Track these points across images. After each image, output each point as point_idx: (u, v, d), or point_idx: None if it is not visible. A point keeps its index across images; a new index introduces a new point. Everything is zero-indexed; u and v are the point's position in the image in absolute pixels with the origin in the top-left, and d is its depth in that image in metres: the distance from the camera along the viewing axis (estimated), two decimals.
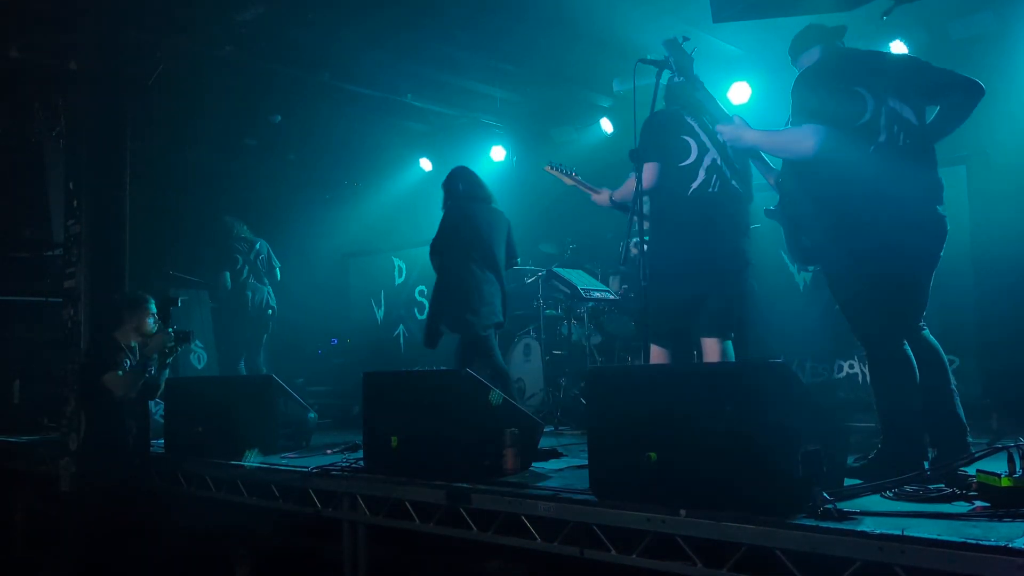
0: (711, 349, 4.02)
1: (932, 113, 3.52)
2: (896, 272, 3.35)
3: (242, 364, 7.78)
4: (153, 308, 5.26)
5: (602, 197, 4.46)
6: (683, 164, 3.98)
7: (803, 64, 3.72)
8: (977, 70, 5.87)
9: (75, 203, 5.67)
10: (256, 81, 7.31)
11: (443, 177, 9.22)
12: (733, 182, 4.03)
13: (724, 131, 3.83)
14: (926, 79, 3.47)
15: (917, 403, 3.28)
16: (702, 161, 3.99)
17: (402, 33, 6.62)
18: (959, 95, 3.45)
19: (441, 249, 5.68)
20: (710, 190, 3.96)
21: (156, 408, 6.16)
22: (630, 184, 4.00)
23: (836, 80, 3.46)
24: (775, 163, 3.94)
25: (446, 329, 5.59)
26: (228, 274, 7.85)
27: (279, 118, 8.20)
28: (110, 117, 5.70)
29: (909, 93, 3.45)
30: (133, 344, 5.19)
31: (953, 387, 3.42)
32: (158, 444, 5.51)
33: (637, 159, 3.86)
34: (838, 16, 3.98)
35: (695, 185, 3.95)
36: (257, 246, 8.01)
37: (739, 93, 7.08)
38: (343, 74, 7.32)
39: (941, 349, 3.49)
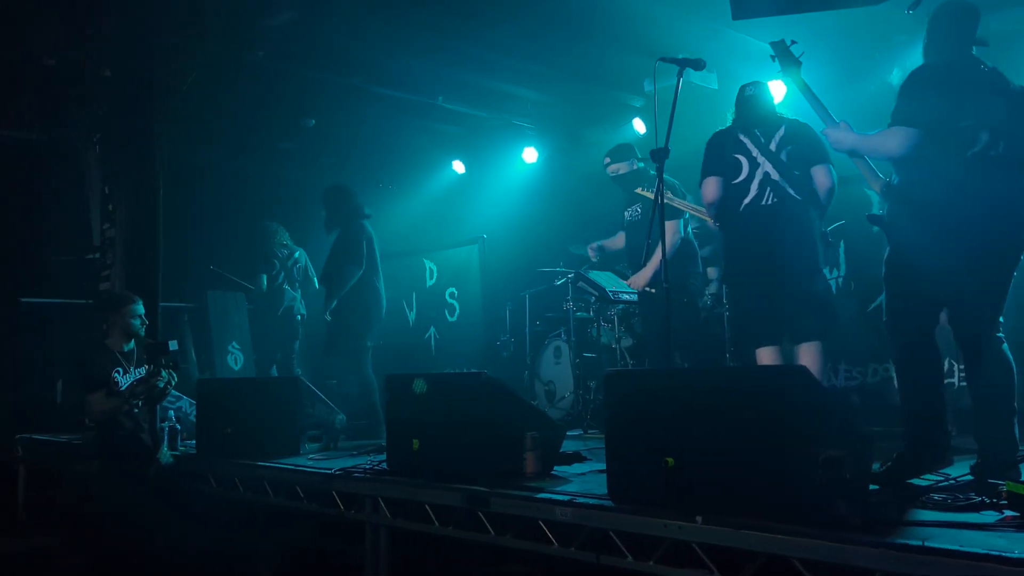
0: (801, 353, 4.26)
1: None
2: (963, 275, 3.39)
3: (274, 368, 7.86)
4: (140, 309, 5.19)
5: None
6: (736, 181, 4.30)
7: (927, 54, 3.67)
8: (1014, 65, 5.74)
9: (110, 207, 5.78)
10: (289, 85, 7.38)
11: (477, 179, 9.31)
12: (791, 191, 4.24)
13: (829, 135, 3.90)
14: None
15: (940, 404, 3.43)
16: (753, 176, 4.28)
17: (433, 36, 6.63)
18: None
19: (364, 263, 6.26)
20: (763, 203, 4.23)
21: (191, 409, 6.26)
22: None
23: (950, 84, 3.46)
24: (882, 170, 3.87)
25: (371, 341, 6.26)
26: (264, 277, 7.93)
27: (313, 122, 8.28)
28: (144, 123, 5.83)
29: (1013, 124, 3.44)
30: (127, 347, 5.17)
31: (1014, 408, 3.38)
32: (190, 444, 5.60)
33: (659, 159, 3.81)
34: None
35: (747, 200, 4.25)
36: (296, 255, 8.10)
37: (776, 91, 6.94)
38: (375, 77, 7.36)
39: (1014, 368, 3.44)
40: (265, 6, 5.95)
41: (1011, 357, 3.43)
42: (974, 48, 3.60)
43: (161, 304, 5.97)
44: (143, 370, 5.16)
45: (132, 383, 5.04)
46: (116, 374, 5.06)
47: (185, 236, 7.94)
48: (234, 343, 8.84)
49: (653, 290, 5.56)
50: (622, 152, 5.84)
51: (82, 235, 6.80)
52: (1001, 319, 3.51)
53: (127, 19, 5.64)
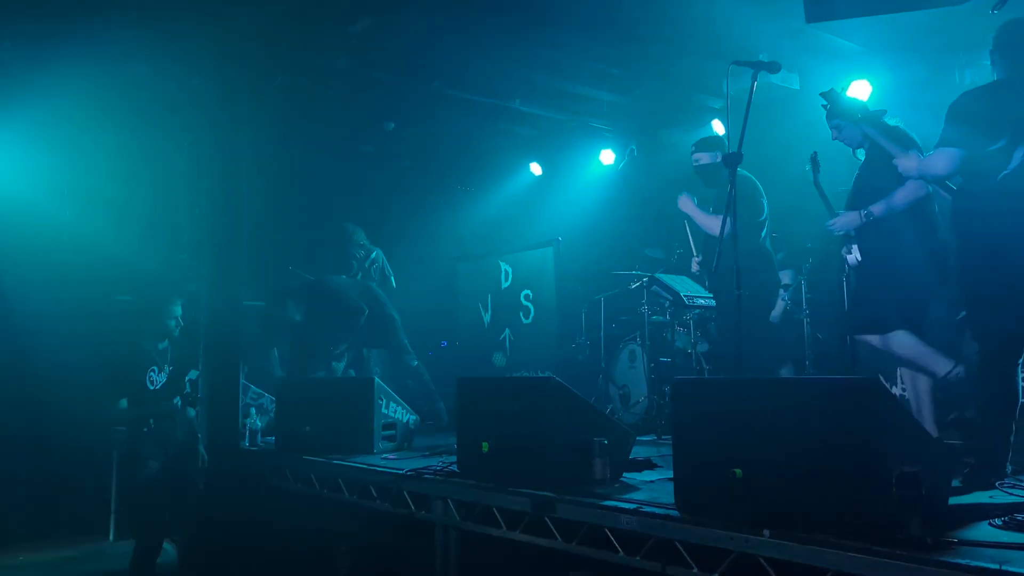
0: None
1: None
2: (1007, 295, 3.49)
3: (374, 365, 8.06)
4: (178, 311, 5.29)
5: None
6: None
7: (996, 70, 3.77)
8: None
9: (198, 210, 6.01)
10: (369, 90, 7.53)
11: (553, 181, 9.32)
12: None
13: (900, 163, 4.01)
14: None
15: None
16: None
17: (509, 39, 6.67)
18: None
19: None
20: None
21: (272, 406, 6.46)
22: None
23: (986, 108, 3.58)
24: None
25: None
26: (344, 277, 8.12)
27: (392, 125, 8.43)
28: (230, 128, 6.02)
29: None
30: (161, 346, 5.27)
31: None
32: (271, 440, 5.78)
33: (732, 164, 3.75)
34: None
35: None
36: (373, 254, 8.27)
37: (859, 91, 6.76)
38: (452, 81, 7.44)
39: None
40: (344, 13, 6.08)
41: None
42: None
43: (245, 303, 6.18)
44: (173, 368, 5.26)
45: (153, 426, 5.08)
46: (151, 373, 5.18)
47: (267, 236, 8.17)
48: None
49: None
50: (707, 143, 5.76)
51: (173, 237, 7.09)
52: None
53: (217, 29, 5.85)
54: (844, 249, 4.49)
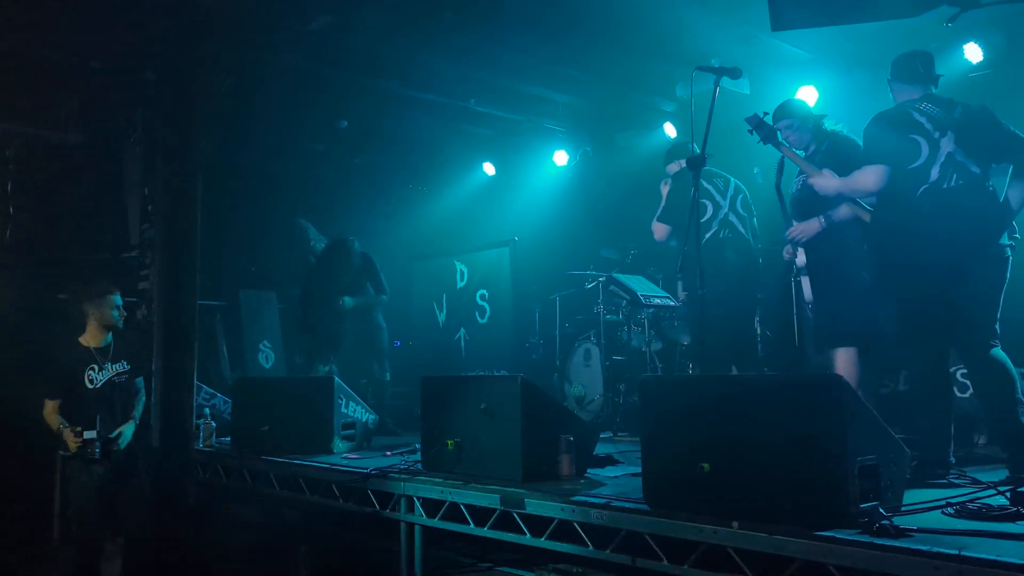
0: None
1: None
2: (926, 296, 3.74)
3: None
4: (118, 300, 4.97)
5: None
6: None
7: (895, 93, 4.05)
8: None
9: (149, 208, 5.90)
10: (323, 88, 7.46)
11: (508, 181, 9.35)
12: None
13: (815, 183, 4.12)
14: (992, 137, 3.79)
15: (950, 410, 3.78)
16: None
17: (465, 40, 6.69)
18: (1019, 155, 3.78)
19: None
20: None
21: (225, 407, 6.38)
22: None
23: (896, 127, 3.82)
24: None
25: None
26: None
27: (345, 124, 8.36)
28: (183, 125, 5.92)
29: (972, 147, 3.77)
30: (104, 342, 4.95)
31: (1020, 397, 3.65)
32: (224, 441, 5.70)
33: (696, 166, 3.85)
34: (909, 25, 3.92)
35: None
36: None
37: (806, 97, 6.96)
38: (407, 80, 7.42)
39: (1010, 365, 3.69)
40: (301, 11, 6.03)
41: (1006, 358, 3.71)
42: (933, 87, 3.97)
43: (199, 302, 6.08)
44: (121, 365, 4.96)
45: (86, 442, 4.65)
46: (91, 371, 4.85)
47: (219, 235, 8.05)
48: (265, 341, 8.95)
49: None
50: (678, 151, 5.85)
51: (121, 235, 6.93)
52: (997, 327, 3.74)
53: (169, 24, 5.75)
54: (785, 251, 4.59)
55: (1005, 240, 3.77)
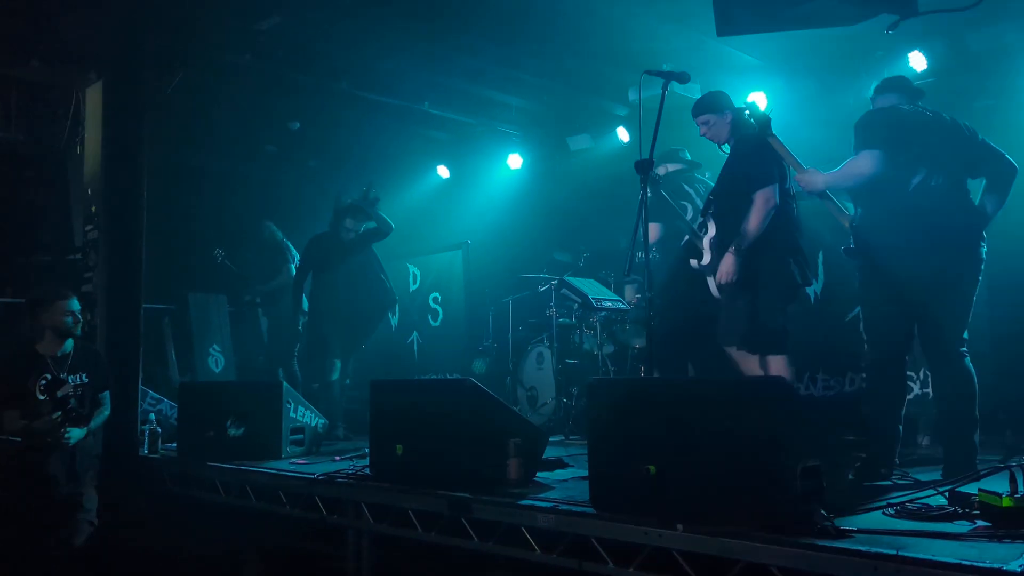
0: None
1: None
2: (914, 295, 3.76)
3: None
4: (74, 305, 4.69)
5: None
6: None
7: (878, 103, 4.10)
8: (995, 82, 5.83)
9: (93, 209, 5.76)
10: (275, 89, 7.38)
11: (462, 184, 9.32)
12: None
13: (800, 180, 4.07)
14: (969, 152, 3.92)
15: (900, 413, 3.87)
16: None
17: (420, 43, 6.65)
18: (992, 166, 3.93)
19: None
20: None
21: (172, 412, 6.24)
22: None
23: (891, 123, 3.86)
24: (850, 207, 4.15)
25: None
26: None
27: (298, 125, 8.27)
28: (128, 124, 5.79)
29: (950, 160, 3.88)
30: (61, 351, 4.70)
31: (976, 417, 3.71)
32: (170, 447, 5.58)
33: (643, 170, 3.86)
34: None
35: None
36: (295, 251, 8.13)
37: (757, 102, 7.05)
38: (361, 82, 7.37)
39: (975, 380, 3.75)
40: (252, 11, 5.95)
41: (973, 371, 3.73)
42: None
43: (143, 305, 5.94)
44: (80, 377, 4.70)
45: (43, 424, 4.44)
46: (43, 381, 4.56)
47: (168, 237, 7.90)
48: (215, 345, 8.80)
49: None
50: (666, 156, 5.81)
51: (64, 237, 6.76)
52: (966, 335, 3.78)
53: (113, 22, 5.62)
54: (693, 261, 4.53)
55: (983, 244, 3.83)
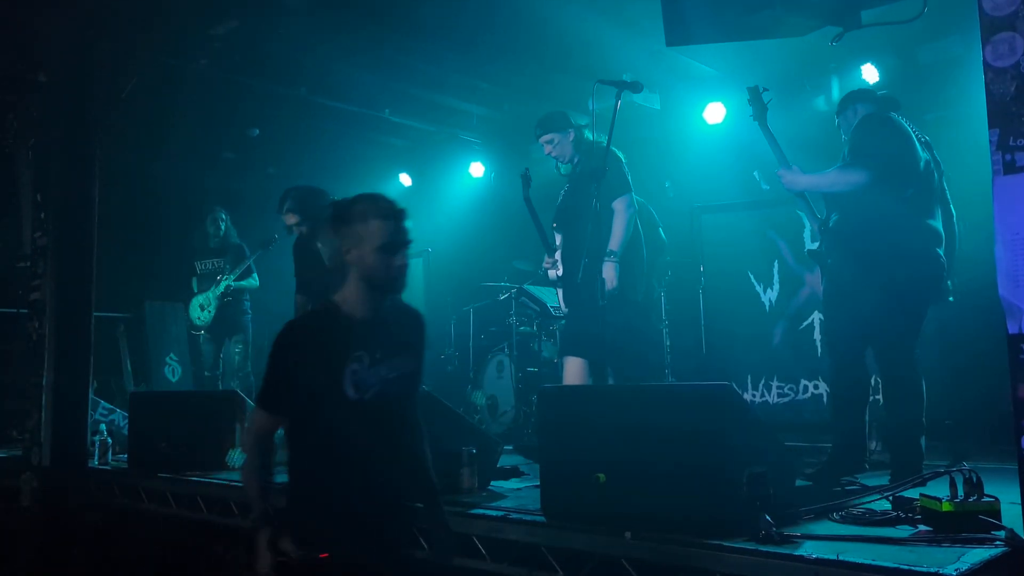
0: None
1: None
2: (888, 302, 3.80)
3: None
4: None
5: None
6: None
7: (852, 116, 4.16)
8: (944, 94, 5.95)
9: (42, 215, 5.64)
10: (232, 94, 7.28)
11: (423, 192, 9.29)
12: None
13: (784, 177, 4.11)
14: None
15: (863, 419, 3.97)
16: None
17: (379, 49, 6.63)
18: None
19: None
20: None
21: (124, 423, 6.13)
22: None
23: (898, 130, 3.91)
24: (821, 212, 4.21)
25: None
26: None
27: (257, 131, 8.18)
28: (80, 129, 5.69)
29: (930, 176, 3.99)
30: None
31: (923, 423, 3.80)
32: (122, 459, 5.48)
33: (597, 178, 3.88)
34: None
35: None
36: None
37: (714, 113, 7.14)
38: (320, 89, 7.31)
39: (924, 386, 3.85)
40: (207, 14, 5.88)
41: (922, 378, 3.82)
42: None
43: (95, 314, 5.83)
44: None
45: None
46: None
47: (125, 245, 7.77)
48: (172, 355, 8.68)
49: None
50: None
51: (12, 244, 6.62)
52: (916, 344, 3.87)
53: (64, 23, 5.52)
54: (545, 262, 4.67)
55: (943, 258, 3.92)
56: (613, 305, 4.11)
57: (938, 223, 3.94)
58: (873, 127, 3.95)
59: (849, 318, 3.93)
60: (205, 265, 7.69)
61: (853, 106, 4.22)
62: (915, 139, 3.93)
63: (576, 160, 4.49)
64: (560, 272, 4.52)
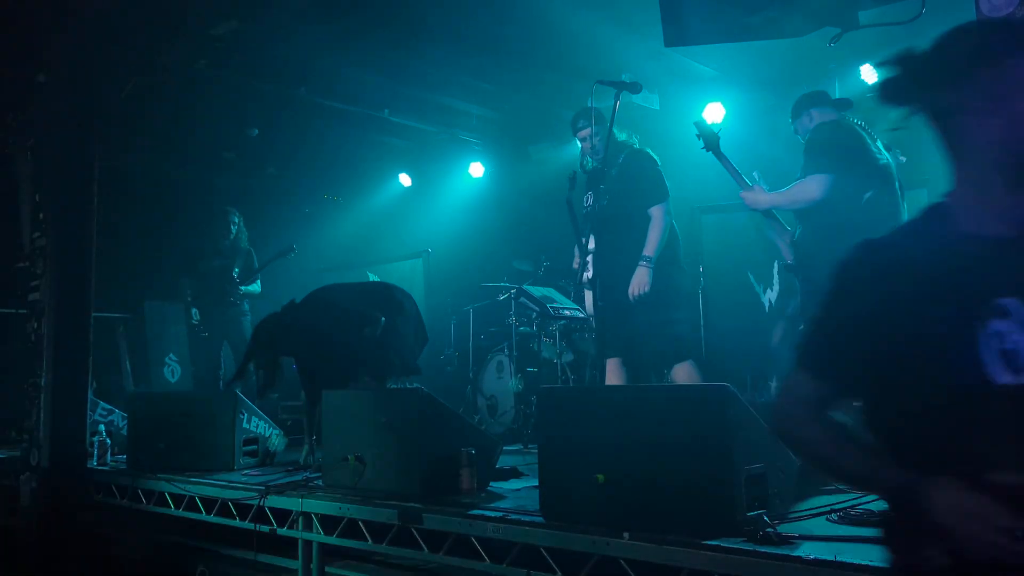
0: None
1: None
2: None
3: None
4: None
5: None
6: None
7: (817, 118, 4.16)
8: None
9: (41, 216, 5.64)
10: (232, 95, 7.28)
11: (423, 193, 9.30)
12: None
13: (746, 197, 4.16)
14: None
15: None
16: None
17: (379, 49, 6.62)
18: None
19: None
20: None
21: (123, 423, 6.12)
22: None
23: (849, 136, 3.91)
24: (789, 223, 4.27)
25: None
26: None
27: (256, 132, 8.18)
28: (79, 130, 5.69)
29: (892, 176, 4.01)
30: None
31: None
32: (121, 459, 5.48)
33: (596, 179, 3.89)
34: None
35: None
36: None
37: (714, 113, 7.13)
38: (320, 89, 7.31)
39: None
40: (207, 15, 5.87)
41: None
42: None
43: (94, 314, 5.83)
44: None
45: None
46: None
47: (123, 245, 7.77)
48: (172, 355, 8.68)
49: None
50: None
51: (11, 245, 6.62)
52: None
53: (64, 24, 5.52)
54: (575, 262, 4.65)
55: None
56: (651, 306, 4.23)
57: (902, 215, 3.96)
58: (824, 136, 3.98)
59: None
60: (211, 265, 7.67)
61: (807, 111, 4.25)
62: (869, 140, 3.94)
63: (607, 160, 4.47)
64: (591, 274, 4.51)
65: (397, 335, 5.04)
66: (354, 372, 4.97)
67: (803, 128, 4.21)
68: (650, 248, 4.35)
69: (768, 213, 4.16)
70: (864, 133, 3.98)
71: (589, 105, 7.42)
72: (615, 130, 4.47)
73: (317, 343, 4.88)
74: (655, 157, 4.48)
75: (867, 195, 3.86)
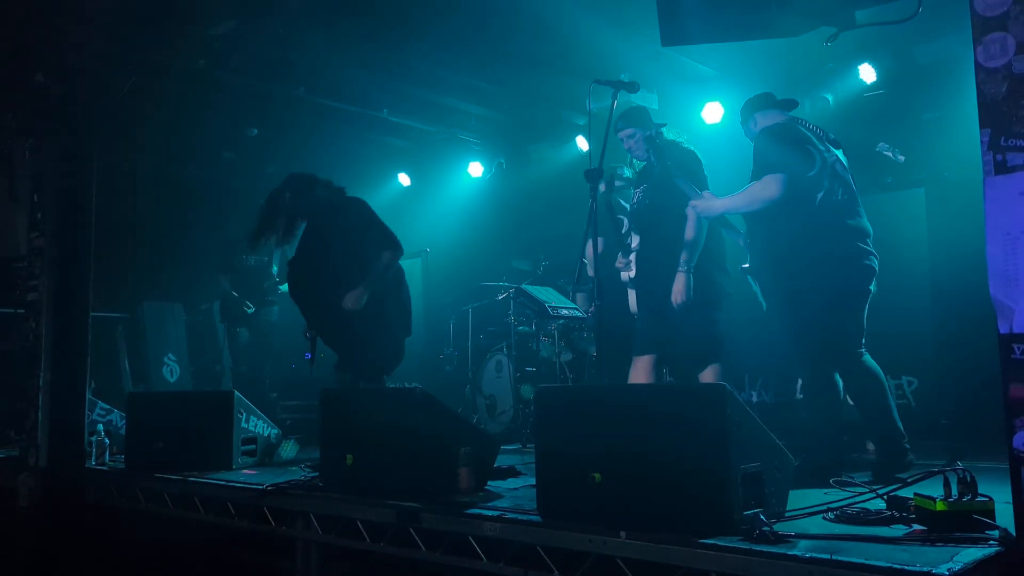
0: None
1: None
2: (826, 308, 3.85)
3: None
4: None
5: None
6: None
7: (763, 121, 4.15)
8: (943, 94, 5.96)
9: (39, 216, 5.65)
10: (231, 95, 7.28)
11: (422, 192, 9.29)
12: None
13: (697, 205, 4.16)
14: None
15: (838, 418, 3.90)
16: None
17: (378, 50, 6.63)
18: None
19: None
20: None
21: (122, 423, 6.13)
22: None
23: (794, 138, 3.92)
24: (741, 227, 4.29)
25: None
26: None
27: (255, 131, 8.19)
28: (77, 130, 5.69)
29: (844, 171, 4.02)
30: None
31: (891, 404, 3.90)
32: (119, 459, 5.48)
33: (593, 180, 3.88)
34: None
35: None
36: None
37: (712, 113, 7.14)
38: (319, 88, 7.31)
39: (881, 372, 3.93)
40: (206, 15, 5.87)
41: (876, 365, 3.90)
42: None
43: (93, 314, 5.83)
44: None
45: None
46: None
47: (123, 245, 7.78)
48: (170, 355, 8.68)
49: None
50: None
51: (10, 242, 6.62)
52: (863, 339, 3.92)
53: (62, 24, 5.53)
54: (618, 262, 4.60)
55: (873, 257, 3.96)
56: (693, 305, 4.26)
57: (862, 219, 3.97)
58: (769, 139, 3.98)
59: (795, 331, 3.99)
60: (247, 261, 7.76)
61: (751, 117, 4.25)
62: (815, 140, 3.94)
63: (652, 159, 4.47)
64: (633, 274, 4.50)
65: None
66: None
67: (750, 133, 4.23)
68: (687, 252, 4.30)
69: (721, 219, 4.23)
70: (809, 132, 3.99)
71: (587, 105, 7.45)
72: (664, 131, 4.52)
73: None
74: (699, 156, 4.45)
75: (819, 194, 3.87)
